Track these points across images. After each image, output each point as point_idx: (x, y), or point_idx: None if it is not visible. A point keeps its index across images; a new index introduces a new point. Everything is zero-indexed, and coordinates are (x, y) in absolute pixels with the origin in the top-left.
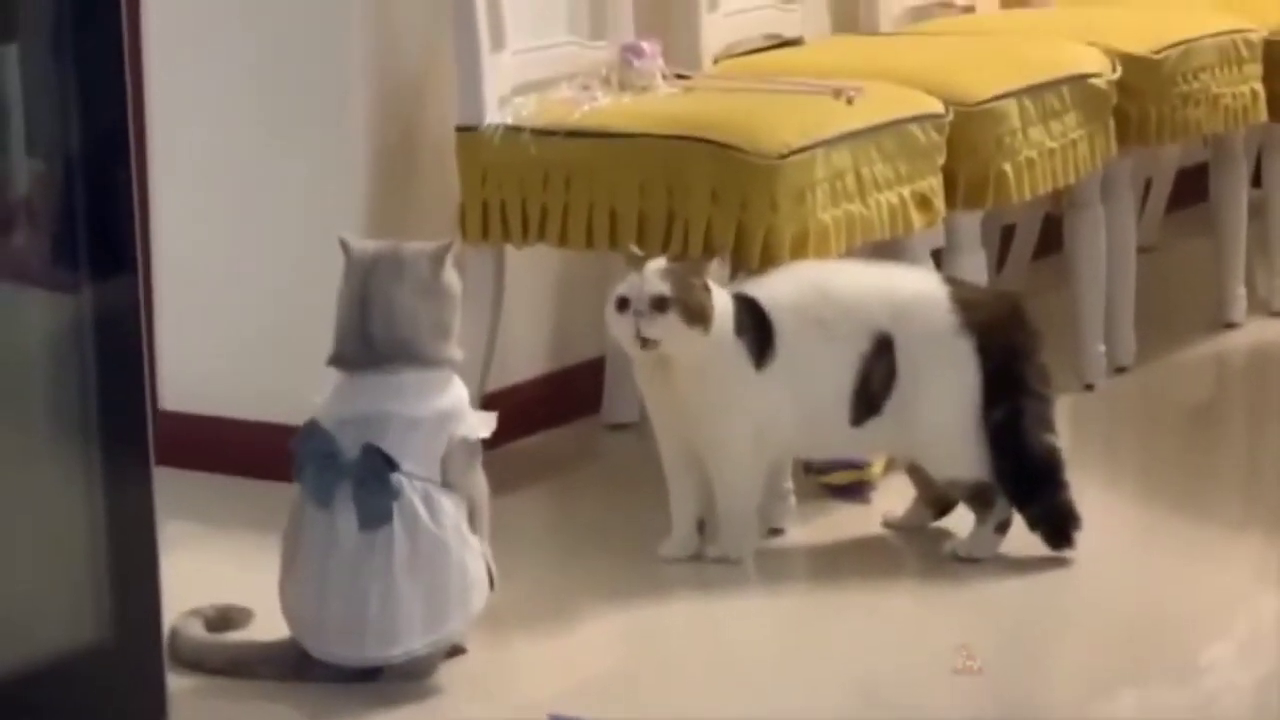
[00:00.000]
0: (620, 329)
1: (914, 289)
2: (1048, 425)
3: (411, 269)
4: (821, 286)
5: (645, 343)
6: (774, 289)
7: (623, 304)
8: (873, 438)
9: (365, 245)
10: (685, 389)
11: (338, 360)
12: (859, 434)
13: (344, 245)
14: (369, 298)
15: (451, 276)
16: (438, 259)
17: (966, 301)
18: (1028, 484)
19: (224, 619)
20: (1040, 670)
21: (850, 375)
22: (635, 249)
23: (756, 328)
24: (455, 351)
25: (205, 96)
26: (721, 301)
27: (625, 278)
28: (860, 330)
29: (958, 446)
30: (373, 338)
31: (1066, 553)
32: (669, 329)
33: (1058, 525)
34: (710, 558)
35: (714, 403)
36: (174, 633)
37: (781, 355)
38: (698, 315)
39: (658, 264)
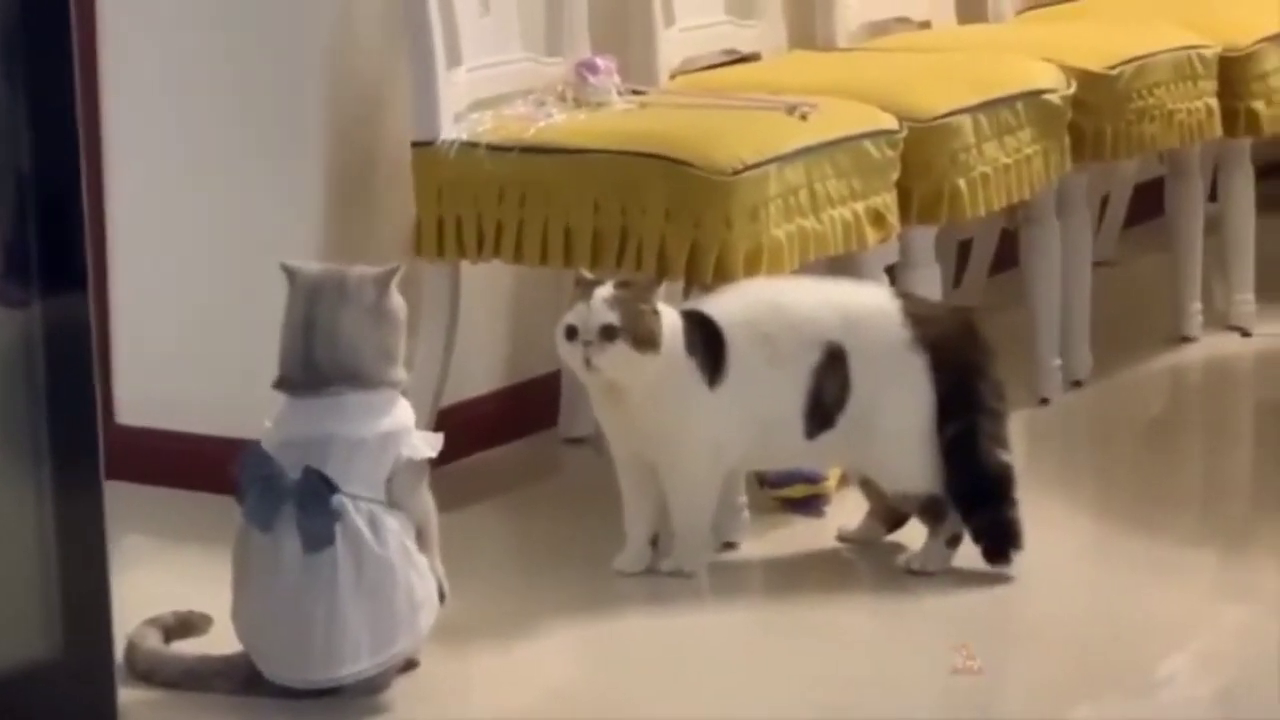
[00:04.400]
0: (570, 358)
1: (867, 303)
2: (1001, 442)
3: (356, 293)
4: (773, 302)
5: (596, 371)
6: (726, 306)
7: (571, 333)
8: (827, 451)
9: (310, 269)
10: (638, 409)
11: (282, 384)
12: (813, 447)
13: (287, 270)
14: (312, 322)
15: (397, 300)
16: (382, 283)
17: (920, 317)
18: (977, 498)
19: (184, 625)
20: (996, 684)
21: (803, 389)
22: (585, 272)
23: (708, 345)
24: (400, 374)
25: (161, 113)
26: (670, 321)
27: (573, 304)
28: (812, 345)
29: (909, 460)
30: (316, 362)
31: (1003, 569)
32: (618, 357)
33: (999, 541)
34: (663, 571)
35: (668, 422)
36: (130, 644)
37: (734, 372)
38: (646, 341)
39: (604, 291)
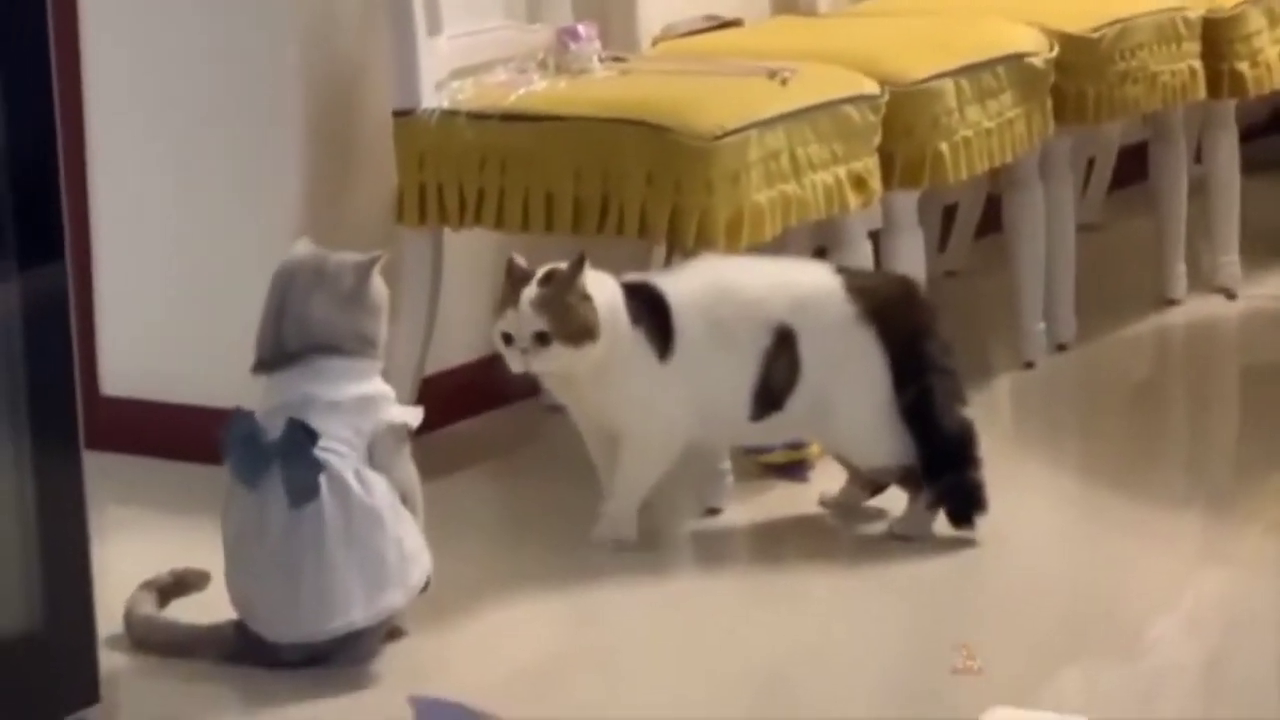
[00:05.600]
0: (512, 362)
1: (811, 283)
2: (959, 398)
3: (332, 280)
4: (722, 285)
5: (538, 373)
6: (676, 284)
7: (508, 339)
8: (773, 431)
9: (294, 254)
10: (592, 388)
11: (258, 366)
12: (757, 428)
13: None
14: (285, 306)
15: (377, 288)
16: (362, 271)
17: (861, 289)
18: (939, 461)
19: (180, 584)
20: (982, 650)
21: (752, 373)
22: (517, 259)
23: (654, 317)
24: (379, 356)
25: (142, 84)
26: (609, 297)
27: (504, 305)
28: (762, 328)
29: (876, 437)
30: (285, 344)
31: (967, 533)
32: (556, 358)
33: (962, 505)
34: (600, 540)
35: (616, 394)
36: (126, 610)
37: (681, 352)
38: (581, 334)
39: (530, 293)
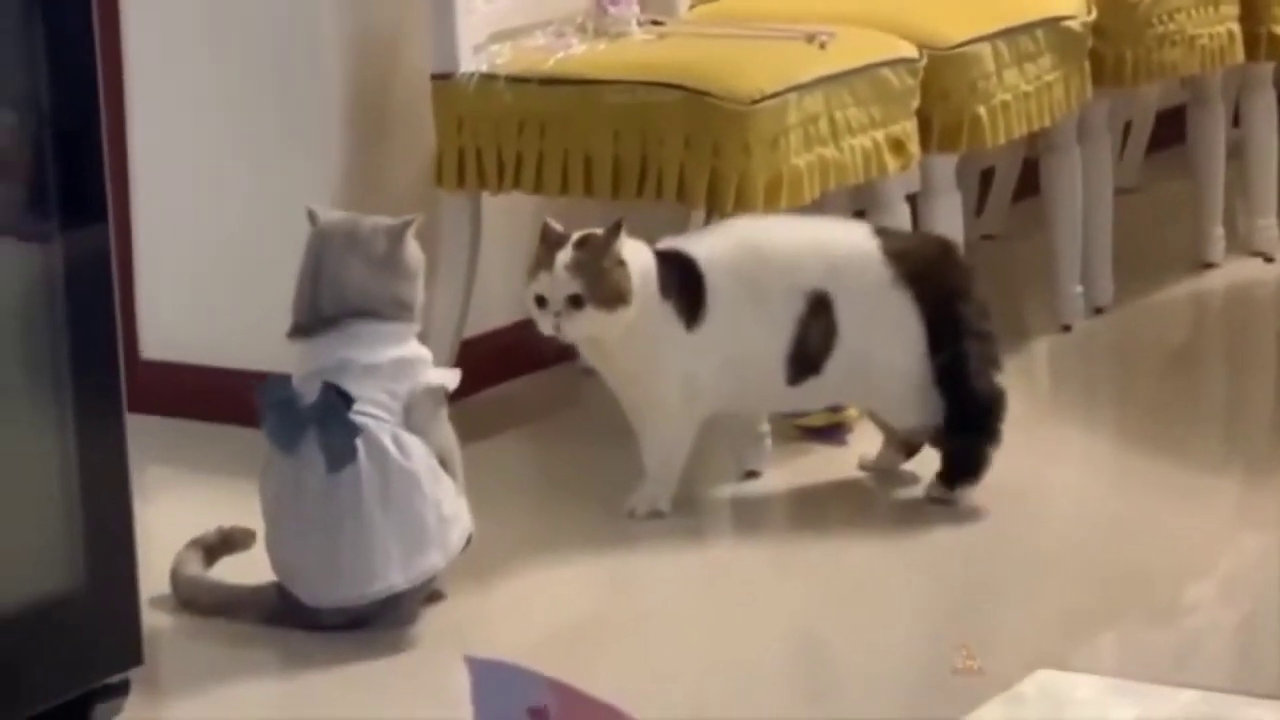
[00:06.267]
0: (542, 324)
1: (848, 246)
2: (993, 363)
3: (366, 244)
4: (757, 247)
5: (569, 336)
6: (708, 248)
7: (540, 301)
8: (811, 396)
9: (328, 218)
10: (616, 353)
11: (294, 331)
12: (796, 393)
13: (311, 215)
14: (320, 271)
15: (412, 252)
16: (396, 235)
17: (898, 252)
18: (961, 420)
19: (226, 542)
20: (1020, 614)
21: (787, 337)
22: (552, 223)
23: (687, 286)
24: (415, 319)
25: (180, 46)
26: (642, 265)
27: (538, 268)
28: (797, 292)
29: (911, 397)
30: (321, 309)
31: (945, 496)
32: (588, 321)
33: (959, 467)
34: (635, 513)
35: (642, 364)
36: (172, 570)
37: (713, 315)
38: (614, 299)
39: (565, 257)
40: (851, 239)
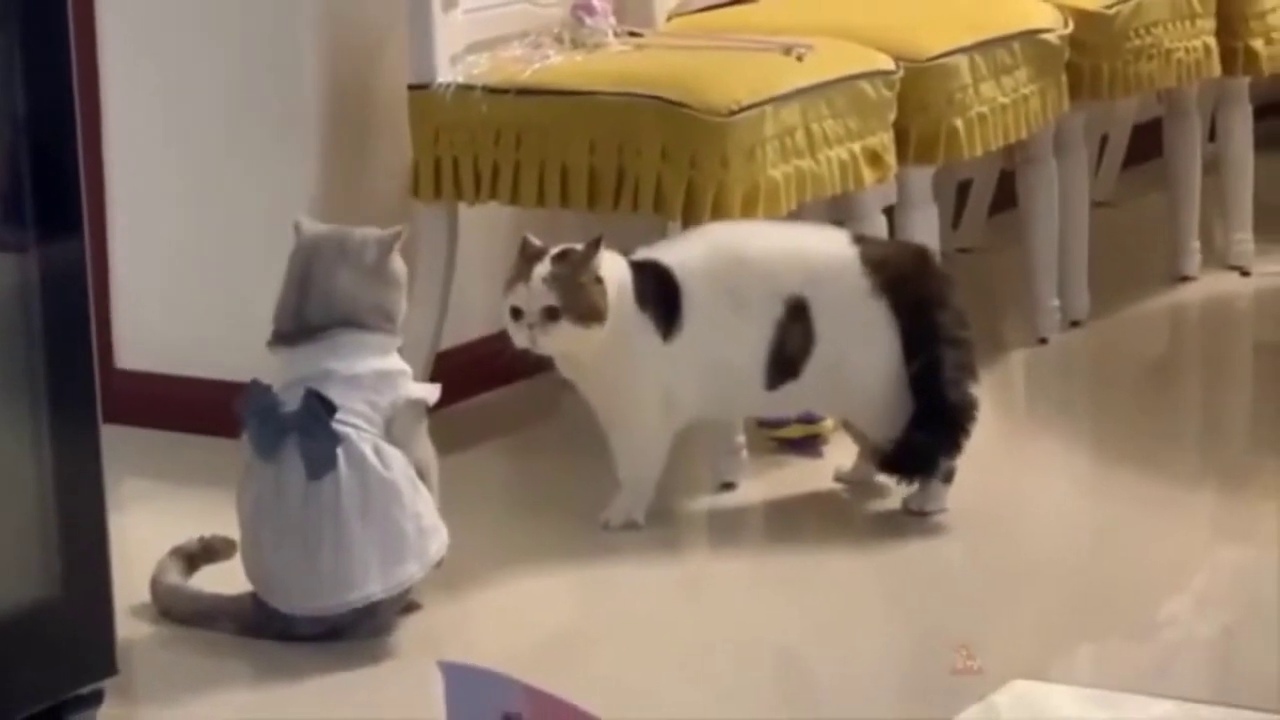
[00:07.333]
0: (516, 336)
1: (826, 253)
2: (969, 371)
3: (355, 254)
4: (734, 253)
5: (543, 349)
6: (685, 255)
7: (516, 313)
8: (788, 401)
9: (314, 228)
10: (591, 367)
11: (276, 339)
12: (774, 398)
13: (296, 227)
14: (309, 280)
15: (398, 264)
16: (385, 246)
17: (877, 261)
18: (926, 418)
19: (207, 551)
20: (996, 625)
21: (765, 341)
22: (531, 238)
23: (663, 296)
24: (398, 333)
25: (157, 57)
26: (619, 278)
27: (515, 280)
28: (775, 298)
29: (889, 408)
30: (307, 316)
31: (887, 479)
32: (562, 335)
33: (913, 460)
34: (610, 524)
35: (618, 376)
36: (152, 579)
37: (691, 323)
38: (590, 315)
39: (543, 270)
40: (830, 245)
